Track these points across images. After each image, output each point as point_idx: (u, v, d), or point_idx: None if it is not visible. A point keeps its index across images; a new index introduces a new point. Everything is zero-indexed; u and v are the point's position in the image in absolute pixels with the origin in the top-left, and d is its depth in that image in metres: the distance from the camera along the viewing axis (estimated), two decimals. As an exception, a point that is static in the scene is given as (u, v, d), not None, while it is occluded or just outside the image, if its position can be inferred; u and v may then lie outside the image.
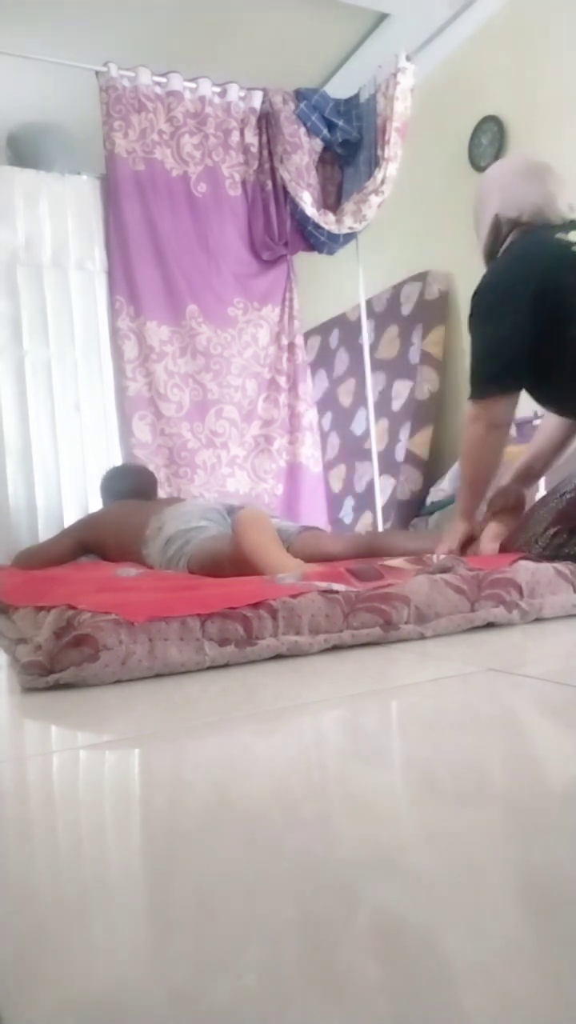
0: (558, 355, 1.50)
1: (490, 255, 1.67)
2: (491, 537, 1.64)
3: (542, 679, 0.82)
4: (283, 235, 3.11)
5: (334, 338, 4.06)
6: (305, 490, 3.16)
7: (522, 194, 1.60)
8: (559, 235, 1.53)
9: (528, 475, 1.85)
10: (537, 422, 2.56)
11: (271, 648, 1.01)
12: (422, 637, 1.08)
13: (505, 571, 1.20)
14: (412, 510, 3.33)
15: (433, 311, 3.44)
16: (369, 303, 3.54)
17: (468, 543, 1.68)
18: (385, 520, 3.31)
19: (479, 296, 1.59)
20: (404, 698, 0.79)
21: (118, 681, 0.93)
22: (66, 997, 0.30)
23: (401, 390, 3.49)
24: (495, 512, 1.69)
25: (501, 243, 1.64)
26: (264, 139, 3.11)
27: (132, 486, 2.49)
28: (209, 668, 0.98)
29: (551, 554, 1.41)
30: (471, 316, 1.61)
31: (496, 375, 1.55)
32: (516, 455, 1.92)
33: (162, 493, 2.75)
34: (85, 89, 2.97)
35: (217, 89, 3.04)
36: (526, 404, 1.72)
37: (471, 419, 1.59)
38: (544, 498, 1.52)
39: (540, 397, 1.68)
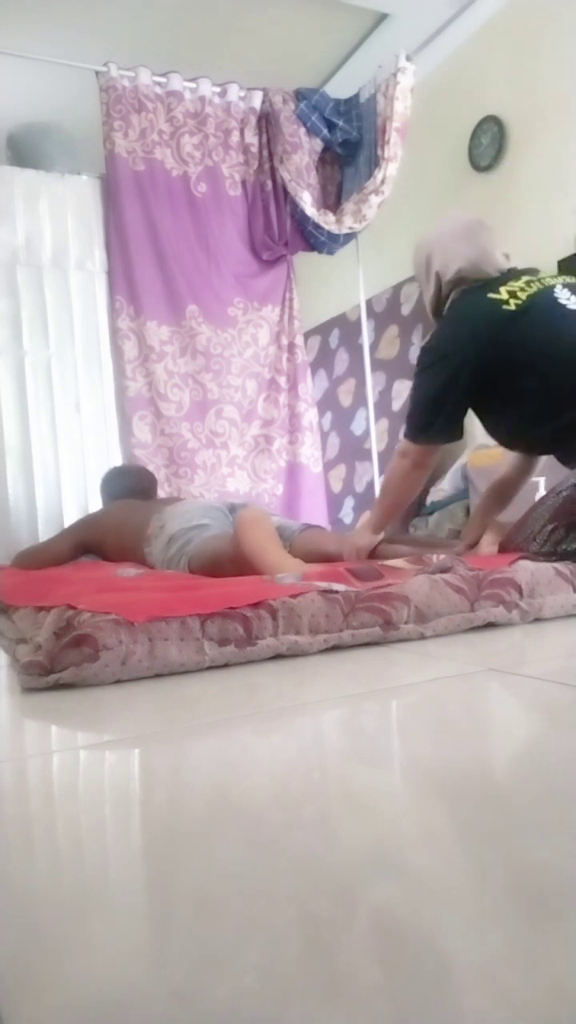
0: (519, 405, 1.60)
1: (436, 312, 1.80)
2: (489, 542, 1.65)
3: (542, 679, 0.82)
4: (283, 235, 3.11)
5: (334, 338, 4.06)
6: (305, 490, 3.16)
7: (458, 253, 1.71)
8: (491, 294, 1.63)
9: (489, 511, 1.96)
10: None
11: (271, 648, 1.01)
12: (422, 637, 1.08)
13: (505, 571, 1.20)
14: (412, 510, 3.33)
15: (433, 311, 3.43)
16: (369, 303, 3.54)
17: (370, 556, 1.82)
18: (385, 520, 3.31)
19: (423, 353, 1.73)
20: (404, 698, 0.79)
21: (118, 681, 0.93)
22: (66, 997, 0.30)
23: (401, 390, 3.49)
24: (469, 545, 1.81)
25: (444, 301, 1.76)
26: (264, 139, 3.11)
27: (132, 486, 2.49)
28: (209, 668, 0.98)
29: (549, 550, 1.41)
30: (416, 368, 1.75)
31: (428, 426, 1.67)
32: (495, 457, 1.97)
33: (162, 493, 2.75)
34: (85, 89, 2.97)
35: (217, 89, 3.04)
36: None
37: (400, 454, 1.75)
38: (543, 497, 1.54)
39: (509, 443, 1.81)
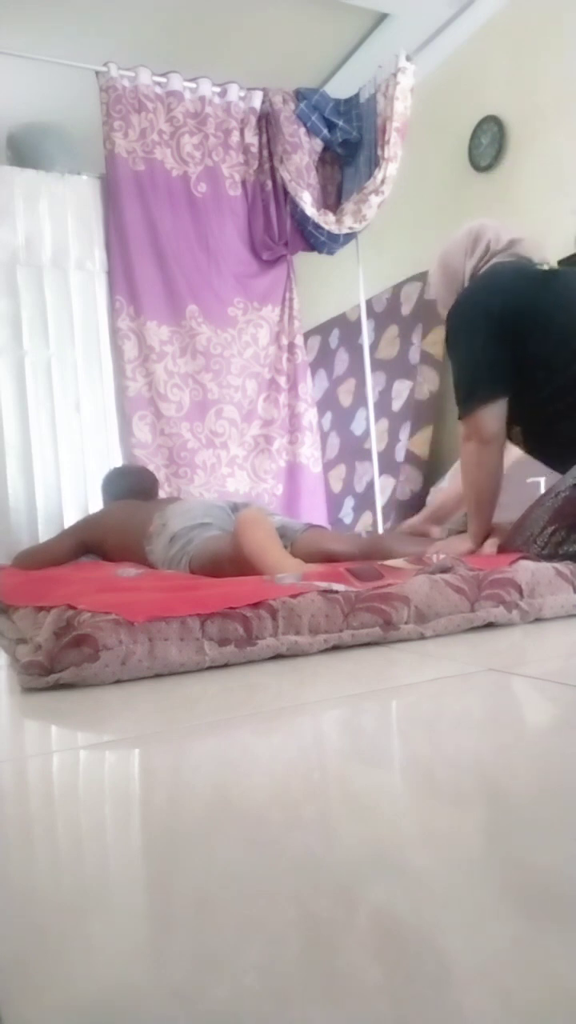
0: (528, 370, 1.55)
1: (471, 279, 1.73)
2: (489, 543, 1.65)
3: (542, 679, 0.82)
4: (283, 235, 3.11)
5: (334, 338, 4.06)
6: (305, 490, 3.16)
7: (513, 230, 1.72)
8: (537, 264, 1.62)
9: (439, 515, 1.94)
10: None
11: (271, 648, 1.01)
12: (422, 637, 1.08)
13: (505, 571, 1.20)
14: (412, 510, 3.33)
15: (433, 311, 3.43)
16: (369, 303, 3.54)
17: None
18: (385, 520, 3.31)
19: (452, 316, 1.64)
20: (404, 698, 0.79)
21: (118, 681, 0.93)
22: (66, 997, 0.30)
23: (401, 390, 3.49)
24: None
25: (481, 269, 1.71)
26: (264, 139, 3.12)
27: (133, 486, 2.49)
28: (209, 668, 0.98)
29: (550, 552, 1.41)
30: (447, 337, 1.67)
31: (475, 387, 1.58)
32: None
33: (162, 493, 2.75)
34: (85, 89, 2.97)
35: (217, 89, 3.04)
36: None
37: (463, 439, 1.63)
38: (540, 498, 1.53)
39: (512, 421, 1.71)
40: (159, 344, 2.93)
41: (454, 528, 1.95)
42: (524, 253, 1.68)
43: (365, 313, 3.43)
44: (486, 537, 1.68)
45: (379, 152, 2.99)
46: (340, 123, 3.09)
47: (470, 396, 1.58)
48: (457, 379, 1.63)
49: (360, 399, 3.63)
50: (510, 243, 1.68)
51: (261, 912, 0.35)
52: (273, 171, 3.10)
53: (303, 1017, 0.28)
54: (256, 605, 1.03)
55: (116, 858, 0.45)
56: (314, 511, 3.14)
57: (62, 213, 2.90)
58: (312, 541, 1.91)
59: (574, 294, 1.56)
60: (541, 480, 2.28)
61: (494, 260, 1.69)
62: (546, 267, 1.65)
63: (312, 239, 3.11)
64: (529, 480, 2.32)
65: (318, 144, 3.11)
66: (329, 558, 1.75)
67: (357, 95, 3.13)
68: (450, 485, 1.96)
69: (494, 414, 1.58)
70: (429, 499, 3.25)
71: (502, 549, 1.57)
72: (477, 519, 1.66)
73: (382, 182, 2.98)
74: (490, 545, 1.64)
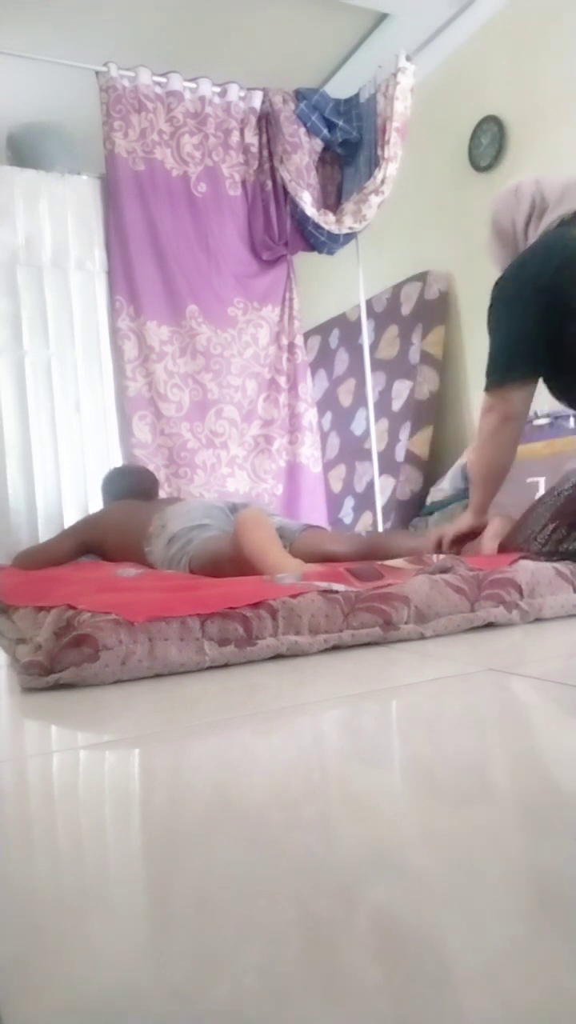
0: (561, 350, 1.50)
1: (520, 237, 1.66)
2: (491, 536, 1.63)
3: (542, 679, 0.82)
4: (283, 235, 3.11)
5: (334, 338, 4.06)
6: (305, 490, 3.16)
7: (550, 183, 1.63)
8: None
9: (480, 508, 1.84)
10: (538, 422, 2.56)
11: (271, 648, 1.01)
12: (422, 637, 1.08)
13: (505, 571, 1.20)
14: (412, 510, 3.33)
15: (433, 311, 3.44)
16: (369, 303, 3.54)
17: (469, 537, 1.66)
18: (385, 520, 3.31)
19: (500, 285, 1.58)
20: (404, 698, 0.79)
21: (118, 681, 0.93)
22: (66, 997, 0.30)
23: (401, 390, 3.49)
24: (453, 544, 1.70)
25: (530, 227, 1.64)
26: (264, 139, 3.12)
27: (132, 486, 2.49)
28: (209, 668, 0.98)
29: (551, 550, 1.41)
30: (491, 304, 1.60)
31: (513, 363, 1.53)
32: (529, 452, 1.91)
33: (162, 493, 2.75)
34: (85, 89, 2.97)
35: (217, 89, 3.04)
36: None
37: (485, 410, 1.57)
38: (542, 497, 1.52)
39: (552, 388, 1.66)
40: (159, 344, 2.93)
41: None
42: (569, 199, 1.60)
43: (365, 313, 3.43)
44: (485, 510, 1.64)
45: (379, 152, 2.99)
46: (340, 123, 3.09)
47: (505, 373, 1.53)
48: (495, 350, 1.57)
49: (360, 399, 3.63)
50: (560, 197, 1.60)
51: (261, 912, 0.35)
52: (273, 171, 3.10)
53: (303, 1017, 0.28)
54: (256, 605, 1.03)
55: (116, 858, 0.45)
56: (314, 511, 3.14)
57: (62, 213, 2.90)
58: (310, 542, 1.91)
59: None
60: (541, 480, 2.28)
61: (546, 220, 1.61)
62: None
63: (312, 239, 3.11)
64: (529, 480, 2.32)
65: (318, 144, 3.11)
66: (327, 559, 1.75)
67: (357, 95, 3.13)
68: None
69: (525, 394, 1.54)
70: (429, 499, 3.25)
71: (503, 547, 1.57)
72: (481, 491, 1.63)
73: (382, 182, 2.98)
74: (492, 539, 1.62)
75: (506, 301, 1.55)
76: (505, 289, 1.56)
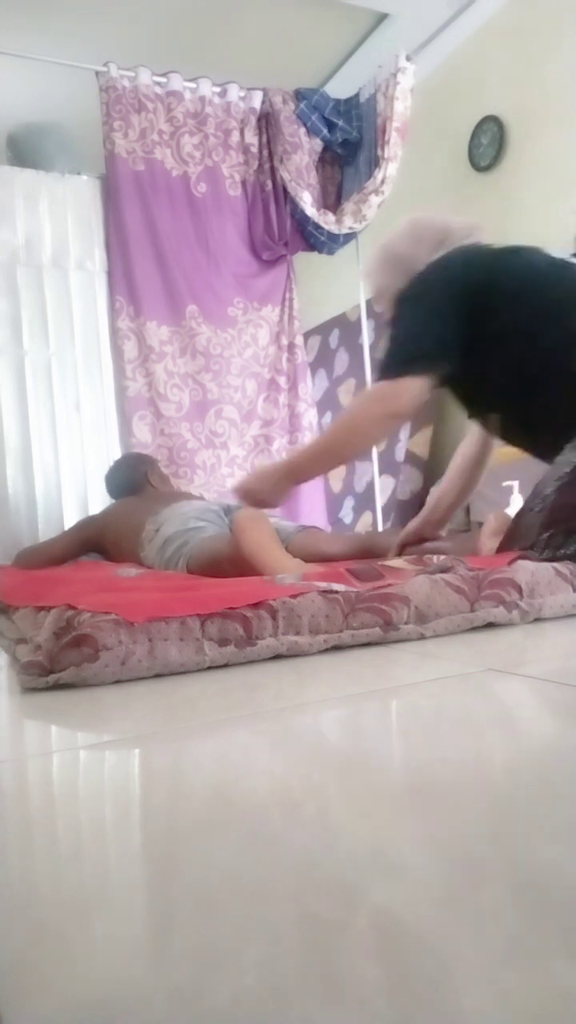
0: (502, 346, 1.49)
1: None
2: (489, 534, 1.63)
3: (542, 679, 0.82)
4: (283, 235, 3.11)
5: (334, 338, 4.06)
6: (305, 490, 3.16)
7: (453, 220, 1.67)
8: (491, 245, 1.58)
9: (436, 516, 1.88)
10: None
11: (271, 648, 1.01)
12: (422, 637, 1.08)
13: (505, 571, 1.20)
14: (412, 510, 3.32)
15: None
16: (369, 303, 3.54)
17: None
18: (385, 520, 3.31)
19: (406, 287, 1.56)
20: (404, 698, 0.79)
21: (118, 681, 0.93)
22: (66, 997, 0.30)
23: (401, 390, 3.48)
24: (402, 548, 1.72)
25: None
26: (264, 139, 3.12)
27: (122, 482, 2.50)
28: (209, 668, 0.98)
29: (549, 556, 1.40)
30: (397, 303, 1.57)
31: (413, 355, 1.47)
32: (504, 455, 1.93)
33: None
34: (85, 89, 2.97)
35: (217, 89, 3.04)
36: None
37: (372, 399, 1.51)
38: (527, 503, 1.48)
39: (471, 401, 1.66)
40: (159, 344, 2.93)
41: (455, 528, 1.94)
42: (474, 237, 1.64)
43: (365, 313, 3.43)
44: (299, 477, 1.56)
45: (379, 152, 2.99)
46: (340, 123, 3.09)
47: (404, 363, 1.46)
48: (395, 340, 1.51)
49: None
50: (459, 229, 1.64)
51: (261, 912, 0.35)
52: (273, 171, 3.10)
53: (303, 1017, 0.28)
54: (256, 605, 1.03)
55: (116, 858, 0.45)
56: (314, 511, 3.14)
57: (62, 213, 2.90)
58: (306, 543, 1.91)
59: (539, 266, 1.51)
60: (515, 484, 2.27)
61: (444, 249, 1.62)
62: (499, 246, 1.59)
63: (312, 239, 3.11)
64: (504, 484, 2.32)
65: (318, 144, 3.11)
66: (322, 559, 1.75)
67: (357, 95, 3.13)
68: (445, 484, 1.93)
69: (416, 390, 1.46)
70: (429, 499, 3.25)
71: (501, 550, 1.56)
72: (317, 464, 1.53)
73: (382, 182, 2.98)
74: (490, 537, 1.62)
75: (414, 296, 1.52)
76: (410, 289, 1.54)
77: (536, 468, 1.58)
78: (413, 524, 1.91)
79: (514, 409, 1.58)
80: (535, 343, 1.47)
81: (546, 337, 1.46)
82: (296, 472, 1.56)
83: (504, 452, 1.87)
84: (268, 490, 1.55)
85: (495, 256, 1.55)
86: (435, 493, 1.88)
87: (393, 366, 1.48)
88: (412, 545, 1.80)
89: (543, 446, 1.55)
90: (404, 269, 1.65)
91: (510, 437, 1.68)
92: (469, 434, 1.87)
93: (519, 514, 1.49)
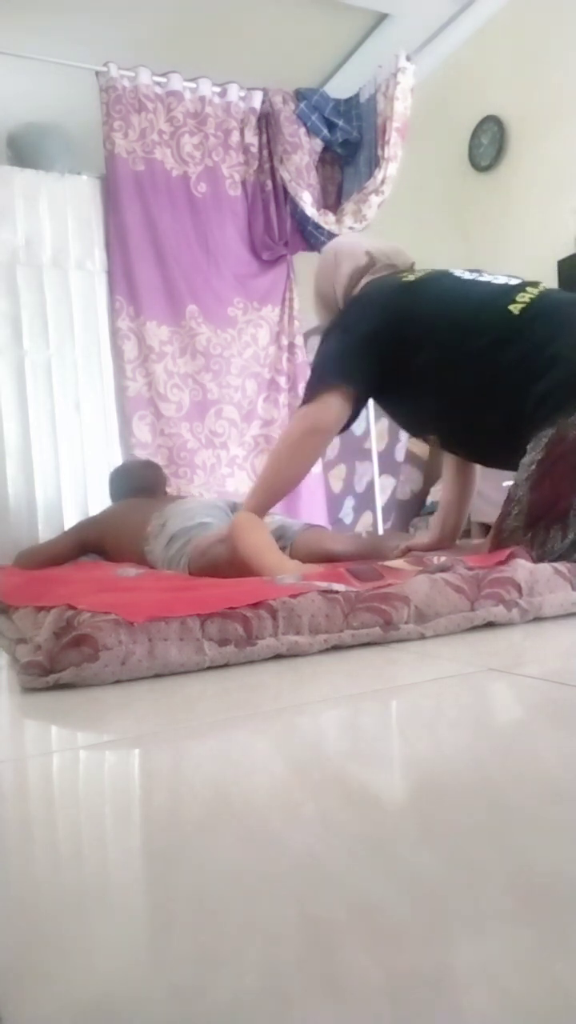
0: (421, 378, 1.56)
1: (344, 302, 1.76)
2: (479, 543, 1.64)
3: (542, 679, 0.82)
4: (283, 235, 3.11)
5: (334, 338, 4.06)
6: (305, 490, 3.16)
7: (367, 244, 1.75)
8: (397, 276, 1.65)
9: (444, 534, 1.93)
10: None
11: (271, 648, 1.01)
12: (422, 637, 1.08)
13: (504, 570, 1.20)
14: (412, 510, 3.33)
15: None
16: (369, 303, 3.54)
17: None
18: (385, 520, 3.31)
19: (328, 326, 1.67)
20: (404, 698, 0.79)
21: (118, 681, 0.93)
22: (66, 997, 0.30)
23: (401, 390, 3.48)
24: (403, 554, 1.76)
25: (352, 291, 1.73)
26: (264, 139, 3.12)
27: (135, 484, 2.49)
28: (209, 668, 0.98)
29: (538, 556, 1.39)
30: (323, 336, 1.67)
31: (330, 374, 1.54)
32: None
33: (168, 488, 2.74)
34: (85, 89, 2.97)
35: (217, 89, 3.04)
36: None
37: (295, 420, 1.58)
38: (503, 511, 1.48)
39: (420, 427, 1.76)
40: (159, 344, 2.93)
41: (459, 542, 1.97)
42: (389, 262, 1.71)
43: (365, 313, 3.43)
44: (262, 516, 1.59)
45: (379, 152, 2.99)
46: (340, 123, 3.09)
47: (321, 380, 1.54)
48: (317, 366, 1.60)
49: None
50: (367, 256, 1.70)
51: (261, 912, 0.35)
52: (273, 171, 3.10)
53: (303, 1017, 0.28)
54: (256, 605, 1.03)
55: (116, 858, 0.45)
56: (314, 511, 3.14)
57: (62, 213, 2.90)
58: (311, 541, 1.91)
59: (435, 295, 1.57)
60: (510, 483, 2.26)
61: (363, 280, 1.70)
62: (411, 277, 1.65)
63: (312, 239, 3.11)
64: (504, 484, 2.32)
65: (318, 144, 3.11)
66: (328, 558, 1.75)
67: (357, 95, 3.13)
68: (444, 494, 1.96)
69: (338, 404, 1.53)
70: (429, 499, 3.25)
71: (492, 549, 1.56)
72: (265, 499, 1.55)
73: (382, 182, 2.98)
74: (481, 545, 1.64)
75: (335, 328, 1.63)
76: (335, 323, 1.65)
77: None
78: (426, 538, 1.94)
79: (447, 428, 1.67)
80: (456, 367, 1.52)
81: (466, 358, 1.51)
82: (257, 513, 1.57)
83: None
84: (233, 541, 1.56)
85: (406, 289, 1.60)
86: (436, 518, 1.95)
87: (309, 389, 1.57)
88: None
89: (483, 456, 1.65)
90: (330, 304, 1.79)
91: (452, 449, 1.78)
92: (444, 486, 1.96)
93: (498, 522, 1.49)
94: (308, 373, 3.23)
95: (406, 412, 1.71)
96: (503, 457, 1.55)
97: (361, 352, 1.55)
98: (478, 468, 1.91)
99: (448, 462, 1.94)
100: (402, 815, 0.47)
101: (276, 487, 1.58)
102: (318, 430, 1.53)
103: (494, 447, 1.58)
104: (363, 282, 1.71)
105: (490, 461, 1.72)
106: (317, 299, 1.85)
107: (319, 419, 1.52)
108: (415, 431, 1.80)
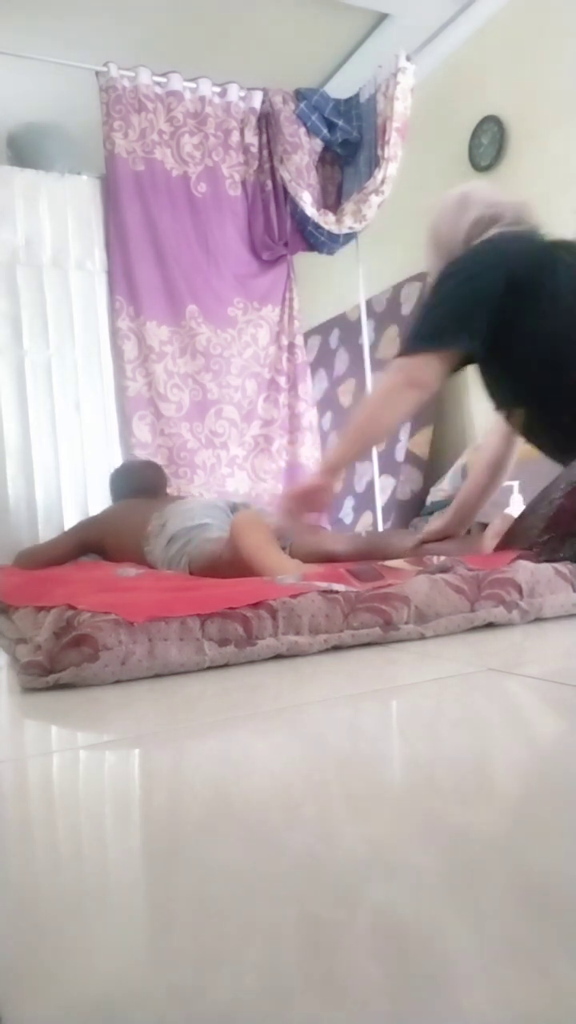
0: (531, 343, 1.48)
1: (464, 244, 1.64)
2: (492, 535, 1.63)
3: (542, 679, 0.82)
4: (283, 235, 3.10)
5: (334, 338, 4.06)
6: (305, 490, 3.16)
7: (502, 195, 1.64)
8: (542, 234, 1.56)
9: (463, 514, 1.87)
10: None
11: (271, 648, 1.01)
12: (422, 637, 1.08)
13: (504, 571, 1.20)
14: (412, 510, 3.33)
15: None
16: (369, 303, 3.54)
17: (315, 497, 1.56)
18: (385, 520, 3.31)
19: (448, 265, 1.54)
20: (404, 698, 0.79)
21: (118, 681, 0.93)
22: (66, 997, 0.30)
23: (401, 390, 3.48)
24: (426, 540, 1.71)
25: (475, 237, 1.61)
26: (264, 139, 3.11)
27: (136, 484, 2.48)
28: (209, 668, 0.98)
29: (546, 559, 1.39)
30: (434, 283, 1.55)
31: (438, 329, 1.45)
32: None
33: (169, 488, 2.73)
34: (85, 89, 2.97)
35: (217, 89, 3.04)
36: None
37: (394, 370, 1.49)
38: (532, 505, 1.48)
39: (510, 400, 1.64)
40: (159, 344, 2.93)
41: (475, 527, 1.93)
42: (518, 217, 1.61)
43: (365, 313, 3.43)
44: (344, 464, 1.55)
45: (379, 152, 2.99)
46: (340, 123, 3.09)
47: (425, 338, 1.45)
48: (420, 317, 1.50)
49: (360, 399, 3.63)
50: (510, 207, 1.61)
51: (261, 912, 0.35)
52: (273, 171, 3.10)
53: (303, 1017, 0.28)
54: (256, 605, 1.03)
55: (116, 858, 0.45)
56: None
57: (62, 213, 2.90)
58: (311, 542, 1.91)
59: None
60: (515, 484, 2.26)
61: (493, 230, 1.59)
62: (550, 237, 1.56)
63: (312, 239, 3.11)
64: (504, 485, 2.32)
65: (318, 144, 3.11)
66: (328, 558, 1.75)
67: (357, 95, 3.13)
68: (469, 482, 1.90)
69: (437, 366, 1.45)
70: (429, 499, 3.25)
71: (500, 548, 1.56)
72: (349, 449, 1.51)
73: (382, 182, 2.98)
74: (492, 538, 1.61)
75: (449, 275, 1.50)
76: (452, 267, 1.52)
77: (538, 470, 1.58)
78: (439, 522, 1.87)
79: (541, 407, 1.56)
80: (571, 346, 1.45)
81: None
82: (334, 465, 1.55)
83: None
84: (314, 492, 1.53)
85: (544, 250, 1.51)
86: (460, 491, 1.86)
87: (413, 339, 1.47)
88: (435, 542, 1.78)
89: (562, 448, 1.54)
90: (446, 248, 1.63)
91: (532, 435, 1.66)
92: (492, 432, 1.84)
93: (523, 514, 1.49)
94: (308, 373, 3.26)
95: (503, 376, 1.57)
96: (573, 454, 1.46)
97: (482, 301, 1.43)
98: (508, 466, 1.86)
99: (485, 452, 1.86)
100: (402, 815, 0.47)
101: (369, 434, 1.51)
102: (415, 384, 1.45)
103: (573, 440, 1.49)
104: (491, 231, 1.58)
105: (561, 452, 1.58)
106: (431, 241, 1.68)
107: (416, 376, 1.44)
108: (504, 401, 1.63)
